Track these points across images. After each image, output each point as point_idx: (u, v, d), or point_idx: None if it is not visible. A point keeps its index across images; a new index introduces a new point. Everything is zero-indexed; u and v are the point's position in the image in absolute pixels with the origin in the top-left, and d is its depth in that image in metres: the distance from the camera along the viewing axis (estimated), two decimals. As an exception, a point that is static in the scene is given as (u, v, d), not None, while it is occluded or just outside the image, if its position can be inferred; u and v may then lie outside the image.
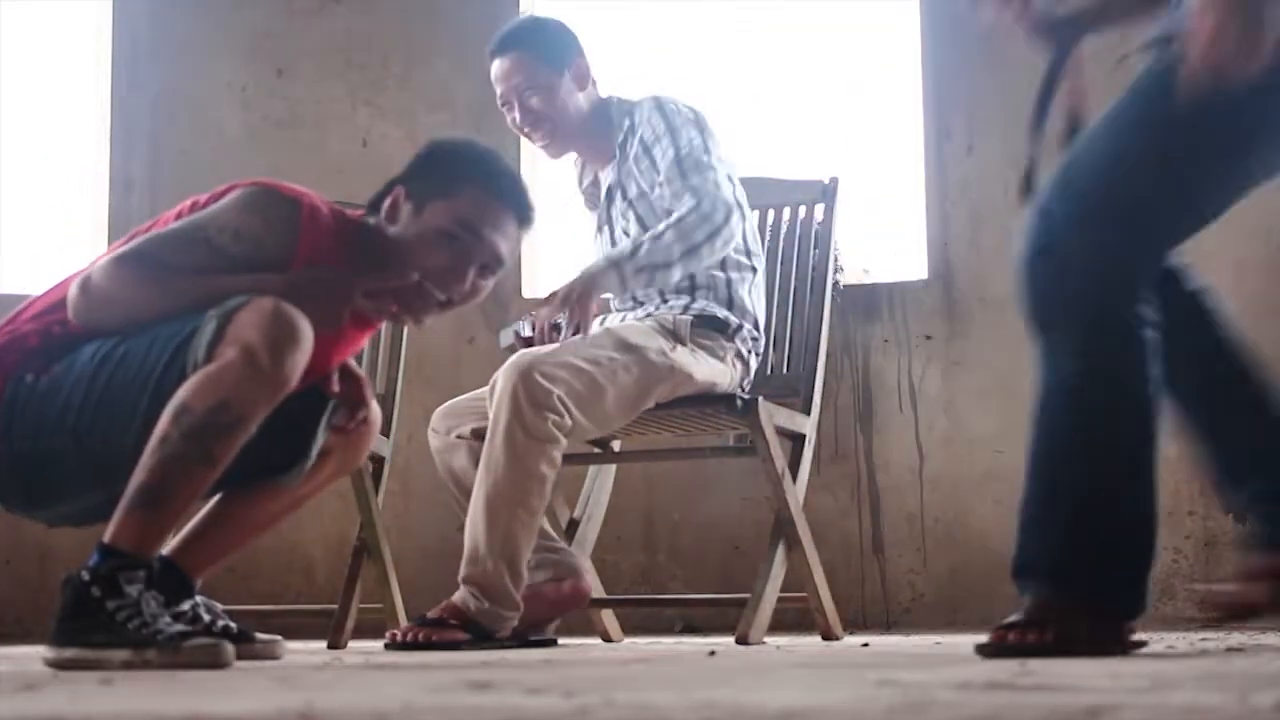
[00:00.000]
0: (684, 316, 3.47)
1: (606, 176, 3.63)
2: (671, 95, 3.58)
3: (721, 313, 3.50)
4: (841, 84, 5.46)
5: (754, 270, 3.58)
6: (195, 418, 2.34)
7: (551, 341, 3.25)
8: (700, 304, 3.51)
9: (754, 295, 3.59)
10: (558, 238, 5.42)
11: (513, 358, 3.30)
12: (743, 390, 3.57)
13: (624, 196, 3.57)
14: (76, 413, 2.46)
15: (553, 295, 3.29)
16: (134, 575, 2.32)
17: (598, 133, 3.61)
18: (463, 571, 3.27)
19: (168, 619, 2.34)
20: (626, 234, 3.56)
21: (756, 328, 3.58)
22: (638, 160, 3.53)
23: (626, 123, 3.57)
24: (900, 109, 5.28)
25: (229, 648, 2.29)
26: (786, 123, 5.39)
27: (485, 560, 3.24)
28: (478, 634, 3.23)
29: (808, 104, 5.43)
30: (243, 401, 2.35)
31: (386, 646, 3.25)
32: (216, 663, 2.25)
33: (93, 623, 2.29)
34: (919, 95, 5.14)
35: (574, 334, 3.23)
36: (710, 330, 3.49)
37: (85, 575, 2.32)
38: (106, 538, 2.35)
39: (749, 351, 3.56)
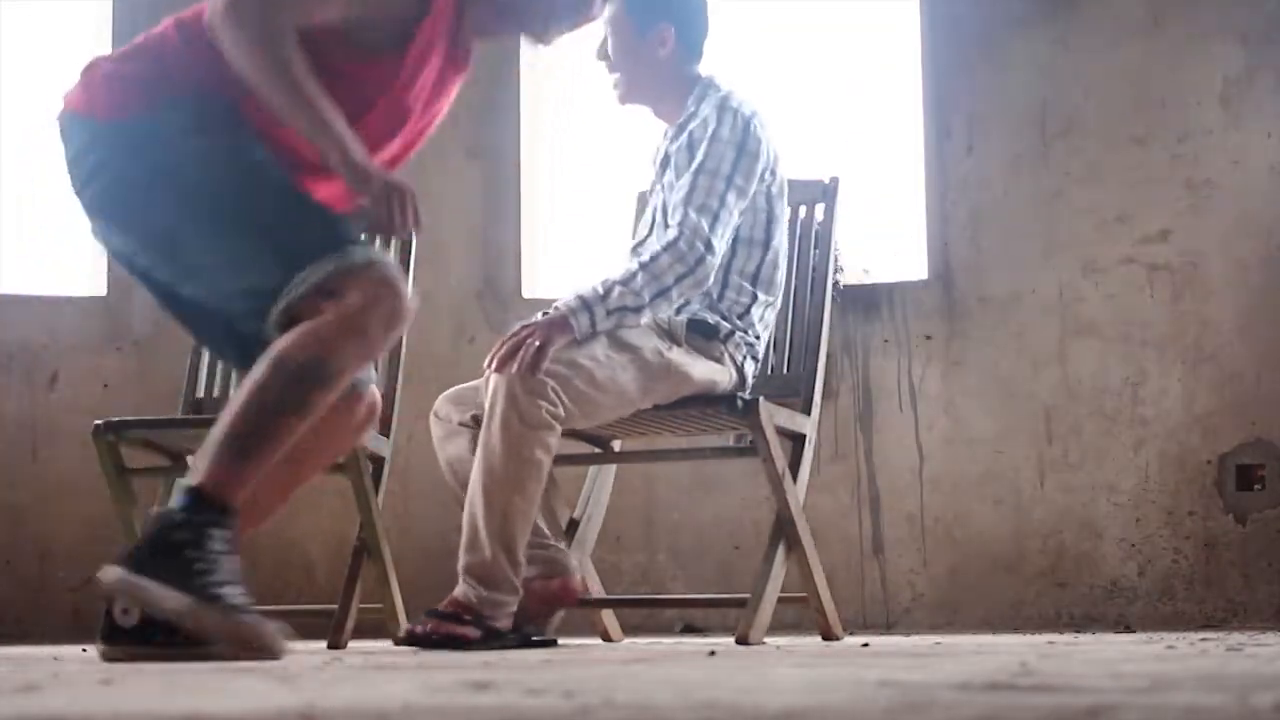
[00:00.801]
0: (679, 318, 3.48)
1: (666, 145, 3.64)
2: (741, 100, 3.55)
3: (712, 318, 3.51)
4: (841, 84, 5.46)
5: (755, 297, 3.57)
6: (294, 368, 2.39)
7: (502, 369, 3.26)
8: (692, 308, 3.52)
9: (750, 319, 3.57)
10: (559, 240, 5.42)
11: None
12: (741, 393, 3.57)
13: (672, 169, 3.57)
14: (193, 199, 2.51)
15: (521, 328, 3.30)
16: (223, 533, 2.33)
17: (670, 100, 3.62)
18: (461, 560, 3.29)
19: (240, 590, 2.35)
20: (659, 210, 3.57)
21: (755, 337, 3.58)
22: (683, 151, 3.54)
23: (693, 107, 3.58)
24: (900, 109, 5.28)
25: (284, 641, 2.29)
26: (787, 123, 5.39)
27: (483, 547, 3.26)
28: (482, 627, 3.24)
29: (808, 104, 5.44)
30: (339, 360, 2.42)
31: (397, 642, 3.26)
32: (269, 649, 2.25)
33: (167, 564, 2.30)
34: (919, 95, 5.14)
35: (530, 370, 3.24)
36: (700, 335, 3.50)
37: (178, 517, 2.33)
38: (197, 480, 2.38)
39: (744, 357, 3.55)
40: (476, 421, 3.47)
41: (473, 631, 3.22)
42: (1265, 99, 4.88)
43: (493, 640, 3.23)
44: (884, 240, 5.35)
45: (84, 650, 3.51)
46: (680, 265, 3.38)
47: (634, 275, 3.36)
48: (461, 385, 3.58)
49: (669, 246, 3.38)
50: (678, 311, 3.51)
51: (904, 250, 5.22)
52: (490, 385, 3.29)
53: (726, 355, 3.52)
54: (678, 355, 3.44)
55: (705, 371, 3.48)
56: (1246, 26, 4.91)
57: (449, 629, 3.21)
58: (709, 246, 3.40)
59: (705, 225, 3.40)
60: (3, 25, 5.40)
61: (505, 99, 5.27)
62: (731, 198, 3.45)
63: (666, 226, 3.47)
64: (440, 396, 3.58)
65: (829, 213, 3.85)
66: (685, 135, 3.54)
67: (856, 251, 5.18)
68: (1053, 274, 4.96)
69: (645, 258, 3.39)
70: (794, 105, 5.43)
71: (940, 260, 5.06)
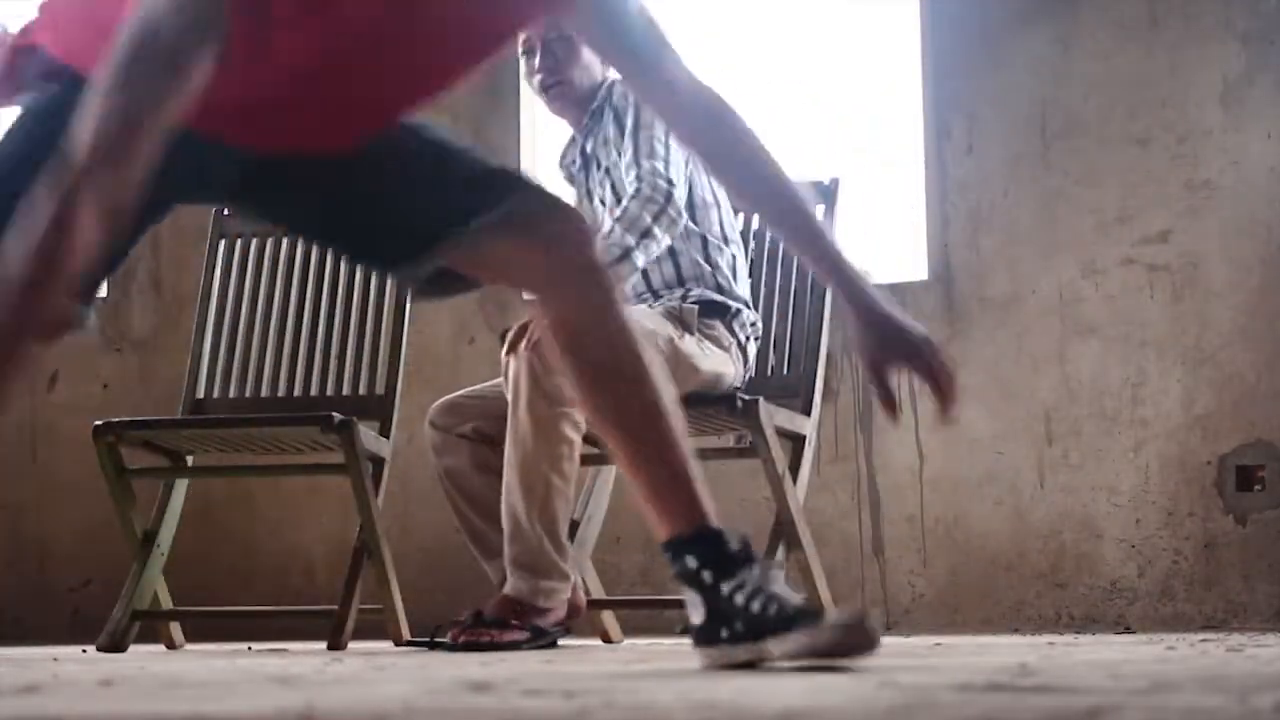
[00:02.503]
0: (690, 305, 3.51)
1: (576, 151, 3.68)
2: None
3: (718, 298, 3.56)
4: (841, 84, 5.46)
5: (734, 256, 3.63)
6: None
7: (513, 351, 3.29)
8: (696, 291, 3.56)
9: (739, 280, 3.63)
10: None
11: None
12: (744, 381, 3.61)
13: (599, 166, 3.62)
14: None
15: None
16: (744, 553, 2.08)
17: (586, 110, 3.65)
18: (508, 553, 3.31)
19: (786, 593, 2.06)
20: (603, 203, 3.61)
21: (748, 301, 3.64)
22: (608, 128, 3.57)
23: (603, 93, 3.61)
24: (900, 109, 5.28)
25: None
26: (786, 122, 5.39)
27: (527, 534, 3.31)
28: (528, 628, 3.27)
29: (808, 104, 5.43)
30: None
31: (446, 648, 3.26)
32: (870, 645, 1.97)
33: (735, 625, 2.06)
34: (919, 95, 5.14)
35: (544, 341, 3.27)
36: (712, 317, 3.53)
37: (706, 577, 2.06)
38: (693, 529, 2.08)
39: (748, 338, 3.62)
40: (477, 433, 3.50)
41: (519, 635, 3.24)
42: (1265, 99, 4.87)
43: (539, 641, 3.26)
44: (884, 240, 5.35)
45: (84, 650, 3.51)
46: (652, 205, 3.43)
47: (611, 230, 3.41)
48: (458, 393, 3.59)
49: (634, 196, 3.44)
50: (684, 297, 3.54)
51: (904, 251, 5.22)
52: (510, 373, 3.32)
53: (734, 340, 3.57)
54: (689, 345, 3.48)
55: (713, 365, 3.52)
56: (1246, 26, 4.91)
57: (494, 636, 3.22)
58: (669, 181, 3.45)
59: (660, 166, 3.46)
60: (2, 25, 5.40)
61: (505, 99, 5.27)
62: (672, 139, 3.48)
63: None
64: (435, 405, 3.58)
65: (829, 213, 3.85)
66: (610, 114, 3.57)
67: (856, 251, 5.18)
68: (1053, 275, 4.96)
69: (616, 214, 3.45)
70: (794, 105, 5.43)
71: (940, 261, 5.06)
